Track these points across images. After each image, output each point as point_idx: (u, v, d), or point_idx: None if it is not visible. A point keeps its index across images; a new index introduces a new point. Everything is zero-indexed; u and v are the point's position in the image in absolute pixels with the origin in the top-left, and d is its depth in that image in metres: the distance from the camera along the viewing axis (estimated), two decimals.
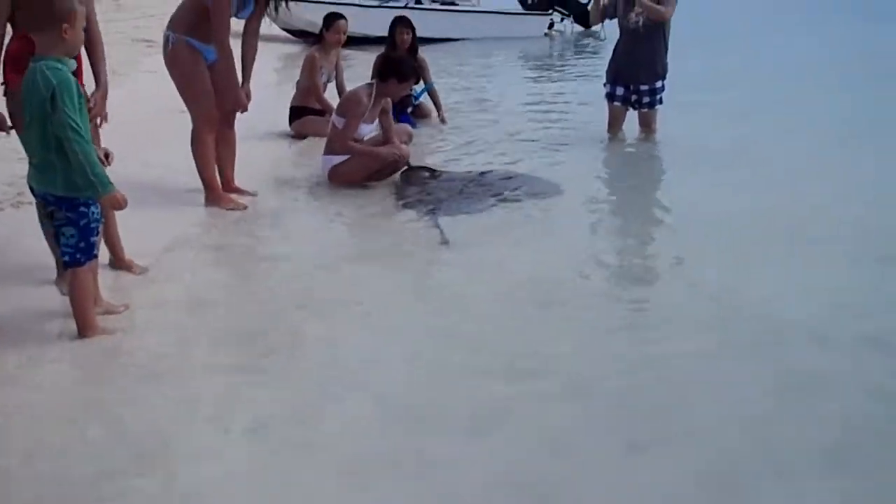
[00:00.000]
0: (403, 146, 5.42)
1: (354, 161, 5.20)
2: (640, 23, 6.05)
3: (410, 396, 2.62)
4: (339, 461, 2.25)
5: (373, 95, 5.21)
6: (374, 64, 5.41)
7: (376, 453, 2.29)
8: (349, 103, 5.26)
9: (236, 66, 4.51)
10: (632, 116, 6.54)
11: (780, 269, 3.77)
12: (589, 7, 15.25)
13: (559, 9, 16.27)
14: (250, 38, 4.59)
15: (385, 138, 5.39)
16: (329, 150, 5.28)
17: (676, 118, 6.69)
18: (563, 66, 12.22)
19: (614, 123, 6.52)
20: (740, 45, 13.56)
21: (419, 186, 5.16)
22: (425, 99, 7.34)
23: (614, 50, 6.45)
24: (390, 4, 14.55)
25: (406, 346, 2.98)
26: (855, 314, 3.24)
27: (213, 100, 4.50)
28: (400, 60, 5.44)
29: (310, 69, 6.66)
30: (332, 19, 6.68)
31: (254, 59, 4.63)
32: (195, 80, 4.45)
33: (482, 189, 5.13)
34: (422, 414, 2.51)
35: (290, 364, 2.84)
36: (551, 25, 16.42)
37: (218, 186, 4.70)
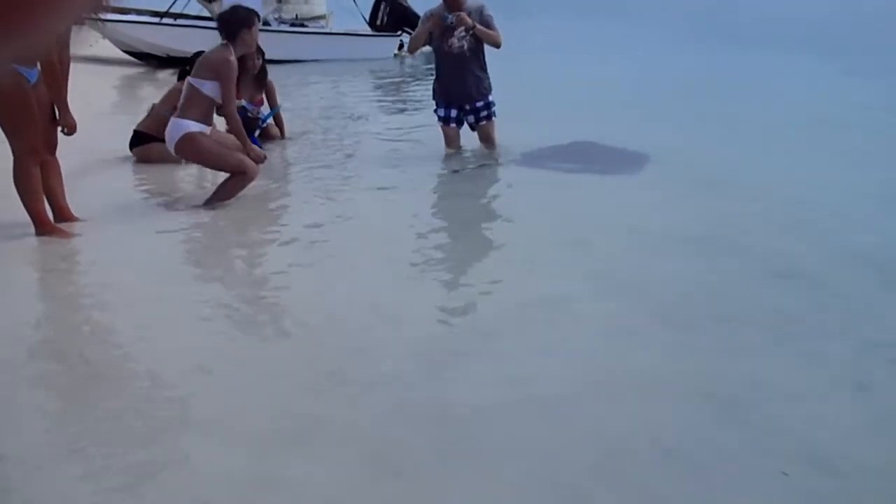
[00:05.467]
0: (254, 164, 5.10)
1: (214, 144, 4.87)
2: (465, 47, 6.32)
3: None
4: None
5: (233, 53, 4.82)
6: (220, 27, 4.93)
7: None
8: (217, 64, 4.75)
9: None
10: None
11: None
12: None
13: (407, 30, 16.44)
14: (64, 50, 4.40)
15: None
16: (184, 114, 4.78)
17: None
18: (411, 85, 12.49)
19: (451, 143, 6.72)
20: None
21: None
22: (272, 121, 7.34)
23: (437, 75, 6.63)
24: None
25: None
26: None
27: (37, 129, 4.33)
28: (230, 14, 4.96)
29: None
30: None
31: (69, 70, 4.46)
32: (21, 111, 4.25)
33: None
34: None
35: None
36: (401, 47, 16.64)
37: (48, 219, 4.51)
